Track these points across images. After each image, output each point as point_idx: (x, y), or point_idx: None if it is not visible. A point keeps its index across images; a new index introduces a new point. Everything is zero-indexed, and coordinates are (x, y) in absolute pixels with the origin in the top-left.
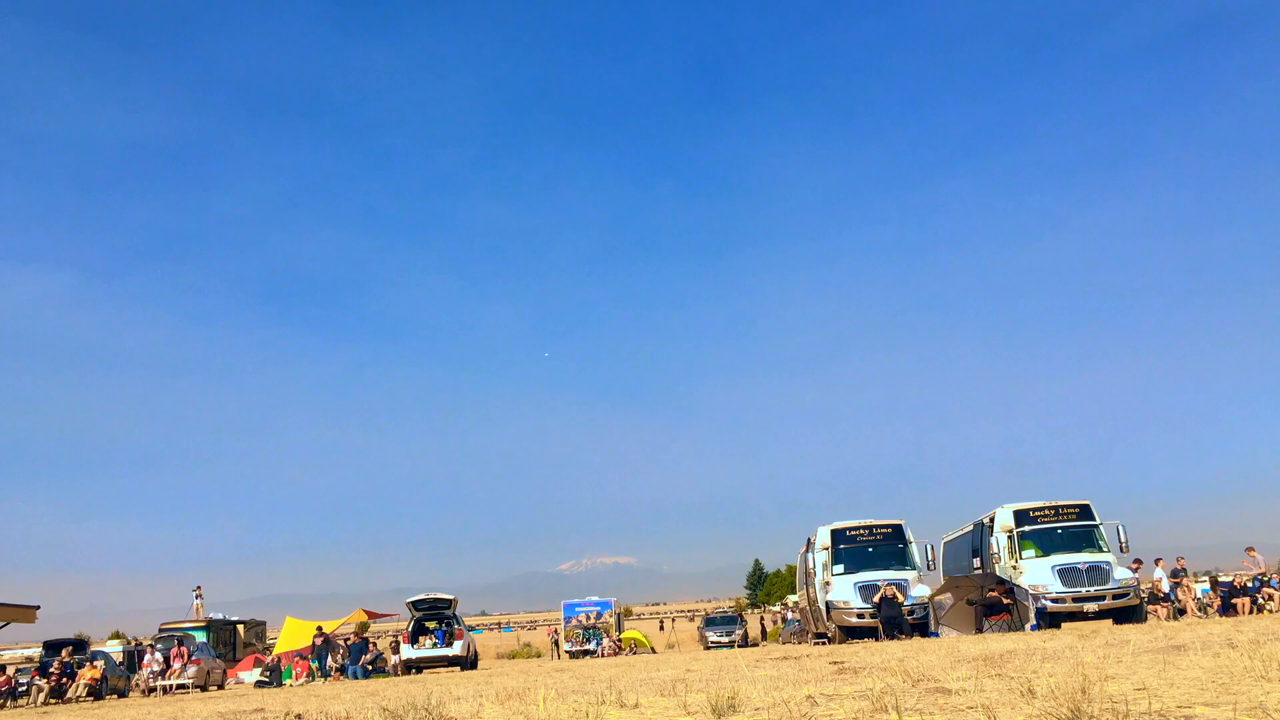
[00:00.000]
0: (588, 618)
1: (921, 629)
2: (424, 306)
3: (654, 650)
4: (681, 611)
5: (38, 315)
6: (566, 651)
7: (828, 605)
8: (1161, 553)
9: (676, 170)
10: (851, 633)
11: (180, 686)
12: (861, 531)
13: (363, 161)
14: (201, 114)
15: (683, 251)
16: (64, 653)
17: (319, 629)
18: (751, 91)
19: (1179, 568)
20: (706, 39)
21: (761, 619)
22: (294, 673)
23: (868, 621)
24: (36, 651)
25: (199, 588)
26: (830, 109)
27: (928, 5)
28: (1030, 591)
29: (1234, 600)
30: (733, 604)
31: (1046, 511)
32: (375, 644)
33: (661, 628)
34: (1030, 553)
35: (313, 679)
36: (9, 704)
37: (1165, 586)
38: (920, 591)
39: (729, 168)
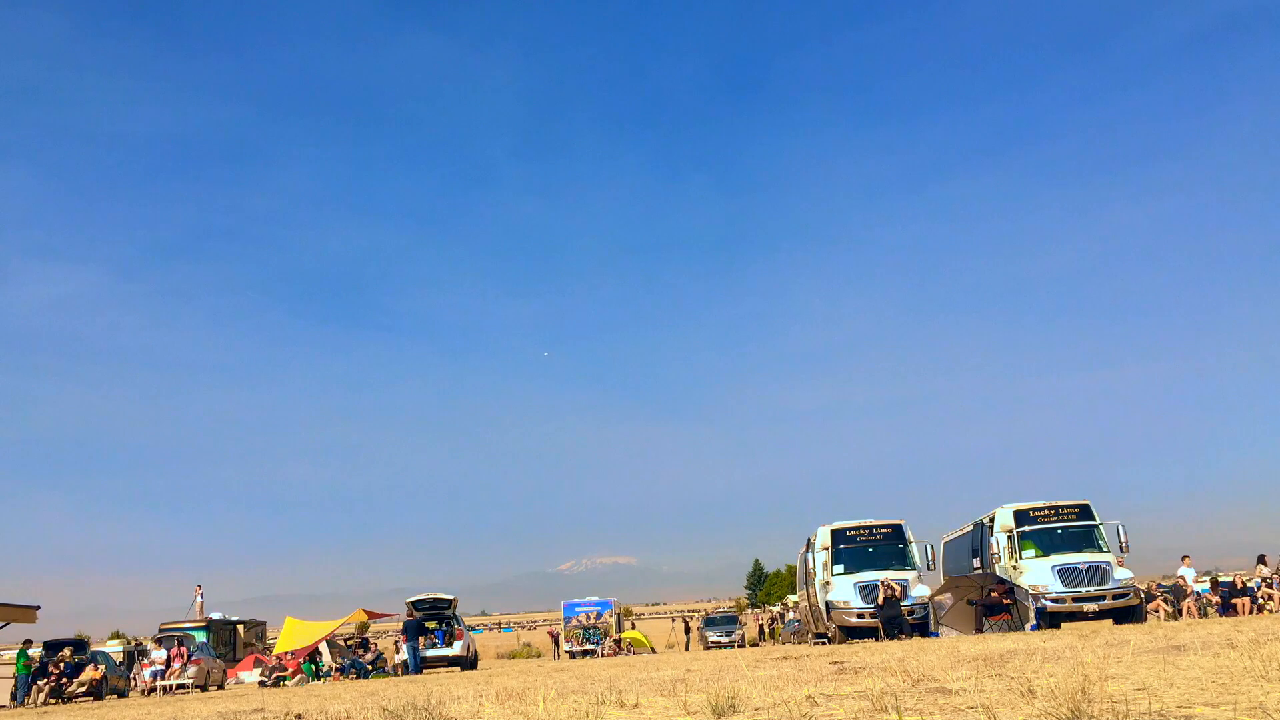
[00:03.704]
0: (588, 618)
1: (921, 629)
2: (438, 303)
3: (654, 650)
4: (681, 611)
5: (63, 312)
6: (566, 651)
7: (828, 605)
8: (1161, 553)
9: (709, 166)
10: (851, 633)
11: (180, 686)
12: (861, 531)
13: (399, 155)
14: (237, 108)
15: (698, 251)
16: (65, 652)
17: (360, 635)
18: (787, 88)
19: None
20: (746, 35)
21: (760, 621)
22: (289, 673)
23: (868, 621)
24: (37, 651)
25: (199, 587)
26: (859, 108)
27: (956, 4)
28: (1030, 591)
29: (1234, 600)
30: (733, 604)
31: (1046, 511)
32: (376, 644)
33: (687, 630)
34: (1030, 553)
35: (307, 678)
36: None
37: (1191, 585)
38: (920, 591)
39: (760, 166)
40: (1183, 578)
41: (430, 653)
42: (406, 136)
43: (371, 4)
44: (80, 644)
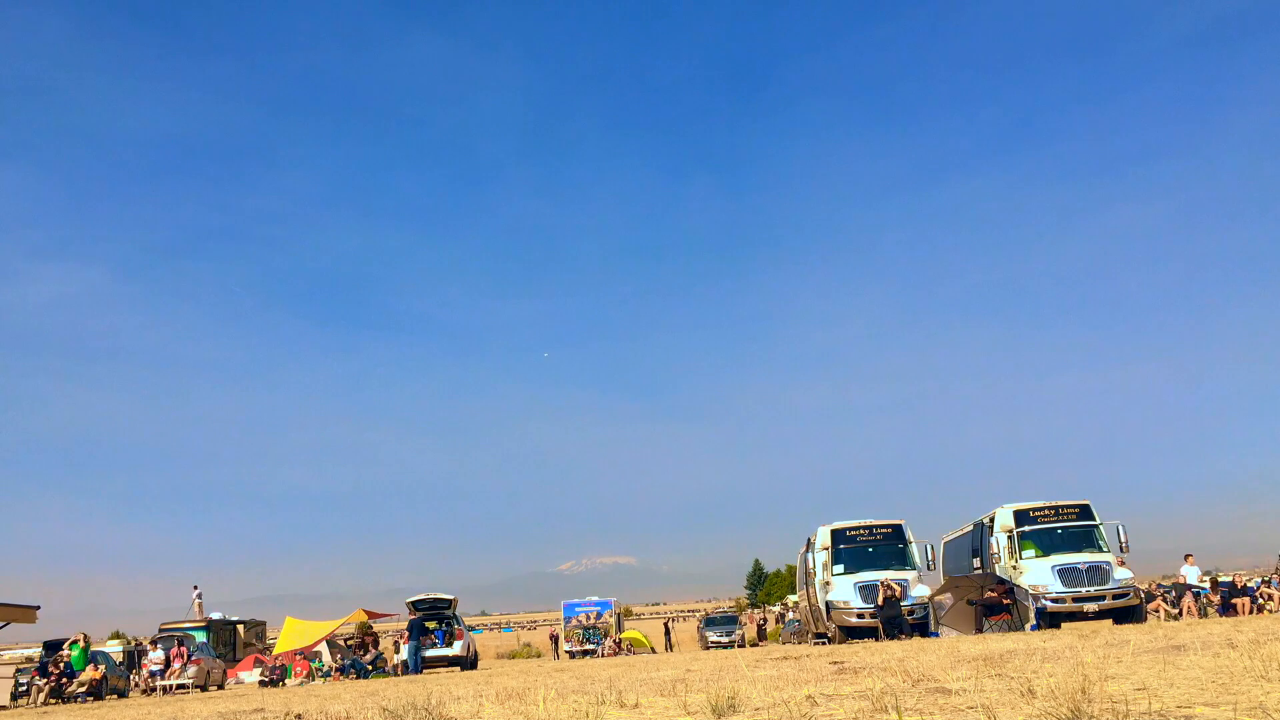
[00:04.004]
0: (588, 618)
1: (921, 629)
2: (439, 303)
3: (654, 650)
4: (681, 611)
5: (64, 312)
6: (566, 651)
7: (828, 605)
8: (1161, 553)
9: (713, 167)
10: (851, 633)
11: (180, 686)
12: (861, 531)
13: (402, 156)
14: (240, 108)
15: (700, 252)
16: (64, 652)
17: (367, 622)
18: (790, 89)
19: None
20: (750, 36)
21: (756, 621)
22: (294, 671)
23: (868, 621)
24: (36, 651)
25: (196, 587)
26: (860, 109)
27: (959, 4)
28: (1030, 591)
29: (1234, 600)
30: (733, 604)
31: (1046, 511)
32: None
33: (668, 632)
34: (1030, 553)
35: (312, 679)
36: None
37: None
38: (920, 591)
39: (763, 166)
40: (1183, 576)
41: (430, 653)
42: (410, 137)
43: (375, 5)
44: None
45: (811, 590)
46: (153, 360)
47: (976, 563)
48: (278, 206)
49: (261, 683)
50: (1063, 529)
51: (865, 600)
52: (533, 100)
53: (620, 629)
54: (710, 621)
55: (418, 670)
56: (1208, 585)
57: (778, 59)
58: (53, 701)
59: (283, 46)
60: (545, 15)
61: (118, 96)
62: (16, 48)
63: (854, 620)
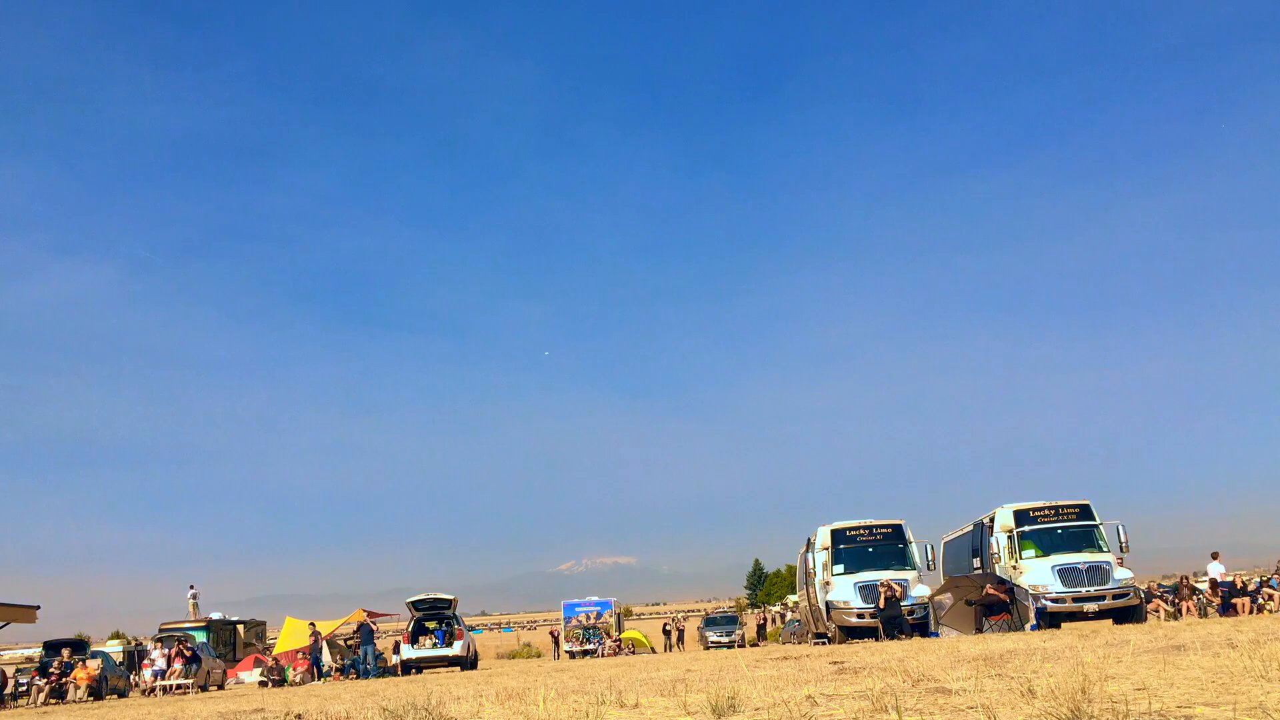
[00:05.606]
0: (588, 618)
1: (921, 629)
2: (442, 302)
3: (654, 650)
4: (681, 611)
5: (76, 310)
6: (566, 651)
7: (828, 605)
8: (1161, 552)
9: (727, 166)
10: (851, 633)
11: (180, 686)
12: (861, 531)
13: (417, 153)
14: (254, 106)
15: (708, 250)
16: (64, 653)
17: (311, 624)
18: (806, 87)
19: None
20: (766, 35)
21: (758, 620)
22: (293, 671)
23: (868, 621)
24: (36, 651)
25: (192, 586)
26: (875, 109)
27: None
28: (1030, 591)
29: (1234, 600)
30: (733, 604)
31: (1046, 511)
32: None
33: (667, 633)
34: (1030, 553)
35: (313, 678)
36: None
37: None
38: (920, 591)
39: (777, 165)
40: (1222, 574)
41: (430, 653)
42: (423, 135)
43: (390, 4)
44: (80, 644)
45: (811, 590)
46: (157, 359)
47: (976, 563)
48: (291, 205)
49: (261, 683)
50: (1063, 529)
51: (865, 600)
52: (547, 99)
53: (620, 629)
54: (710, 621)
55: (371, 675)
56: (1206, 585)
57: (792, 59)
58: (53, 701)
59: (298, 44)
60: (561, 15)
61: (131, 94)
62: (29, 44)
63: (854, 620)
